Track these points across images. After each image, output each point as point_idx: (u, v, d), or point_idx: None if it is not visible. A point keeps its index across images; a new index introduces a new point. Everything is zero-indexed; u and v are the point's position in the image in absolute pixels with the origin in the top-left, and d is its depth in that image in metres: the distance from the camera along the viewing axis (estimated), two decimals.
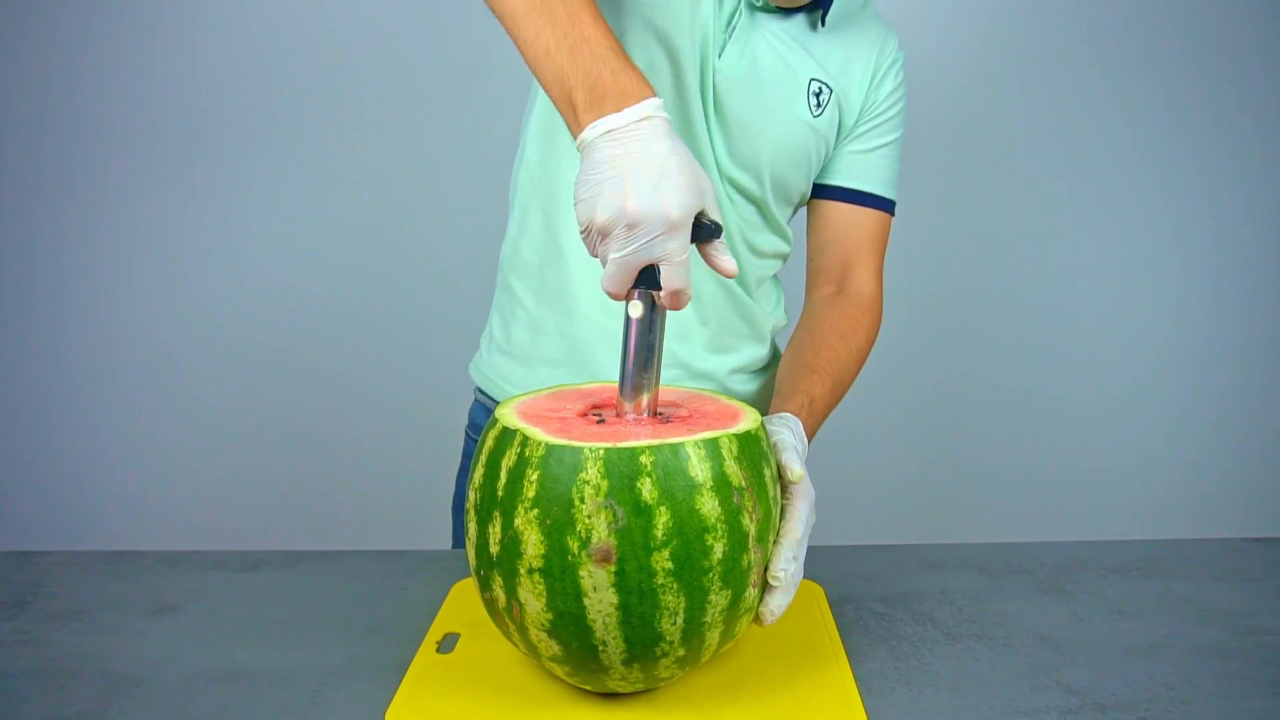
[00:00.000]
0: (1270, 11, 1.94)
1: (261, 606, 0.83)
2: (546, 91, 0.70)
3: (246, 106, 1.91)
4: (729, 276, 0.70)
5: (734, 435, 0.62)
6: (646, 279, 0.66)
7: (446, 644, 0.75)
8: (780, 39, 0.94)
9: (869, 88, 0.98)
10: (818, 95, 0.95)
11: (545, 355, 0.99)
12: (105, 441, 2.02)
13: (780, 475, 0.68)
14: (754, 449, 0.63)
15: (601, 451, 0.58)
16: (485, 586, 0.63)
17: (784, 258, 1.06)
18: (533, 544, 0.59)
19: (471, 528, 0.64)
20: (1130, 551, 0.96)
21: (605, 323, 0.96)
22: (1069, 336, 2.06)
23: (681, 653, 0.61)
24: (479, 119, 1.84)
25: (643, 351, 0.67)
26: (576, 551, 0.58)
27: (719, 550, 0.59)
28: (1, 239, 1.95)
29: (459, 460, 1.13)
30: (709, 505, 0.59)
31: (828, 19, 0.96)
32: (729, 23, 0.91)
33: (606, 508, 0.57)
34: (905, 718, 0.66)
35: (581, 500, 0.58)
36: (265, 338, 1.99)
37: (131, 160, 1.93)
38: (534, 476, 0.59)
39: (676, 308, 0.66)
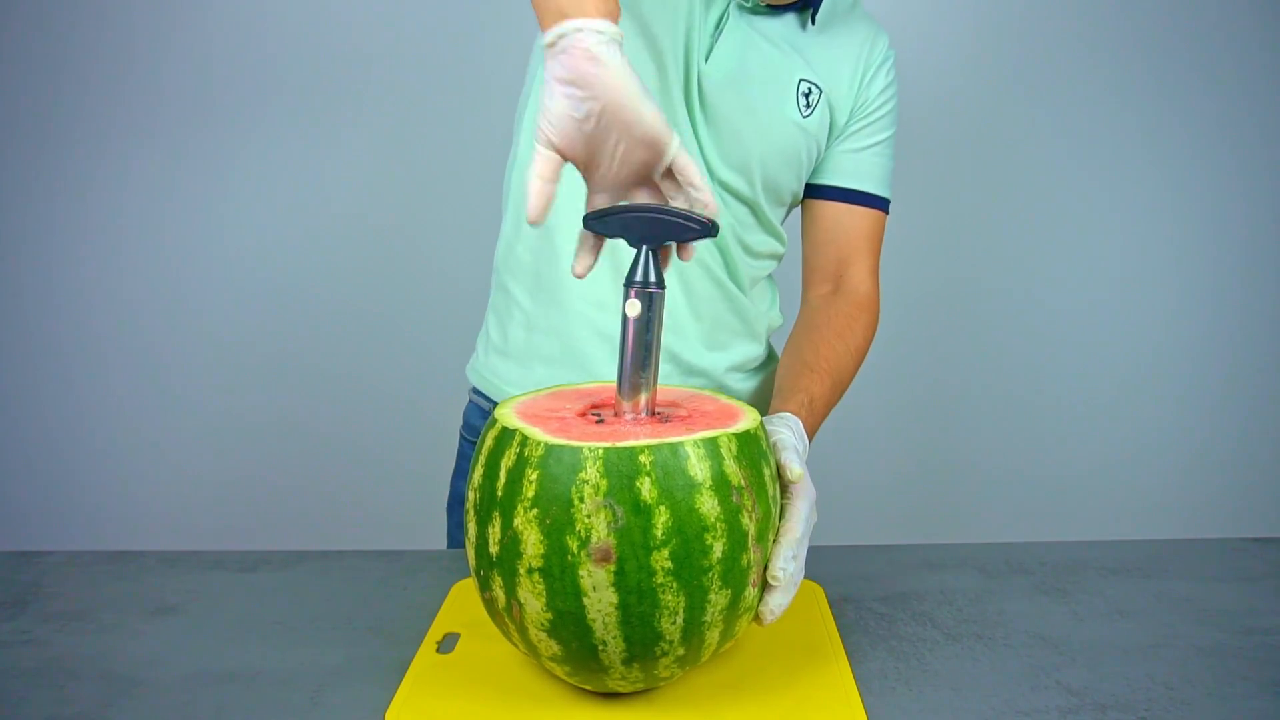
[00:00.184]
0: (1269, 8, 1.94)
1: (261, 606, 0.83)
2: None
3: (240, 106, 1.91)
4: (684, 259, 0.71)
5: (733, 434, 0.62)
6: (646, 278, 0.66)
7: (446, 644, 0.75)
8: (769, 39, 0.93)
9: (859, 86, 0.98)
10: (807, 95, 0.95)
11: (542, 354, 0.99)
12: (105, 441, 2.02)
13: (780, 475, 0.68)
14: (753, 448, 0.63)
15: (601, 451, 0.58)
16: (485, 586, 0.63)
17: (778, 258, 1.06)
18: (532, 544, 0.59)
19: (471, 528, 0.64)
20: (1130, 551, 0.96)
21: (600, 320, 0.96)
22: (1069, 336, 2.06)
23: (681, 652, 0.61)
24: (474, 119, 1.84)
25: (640, 351, 0.67)
26: (576, 551, 0.58)
27: (718, 549, 0.59)
28: (1, 240, 1.95)
29: (454, 460, 1.13)
30: (708, 504, 0.59)
31: (817, 18, 0.95)
32: (717, 24, 0.91)
33: (606, 507, 0.57)
34: (905, 718, 0.66)
35: (581, 500, 0.58)
36: (264, 338, 1.99)
37: (132, 161, 1.93)
38: (533, 476, 0.59)
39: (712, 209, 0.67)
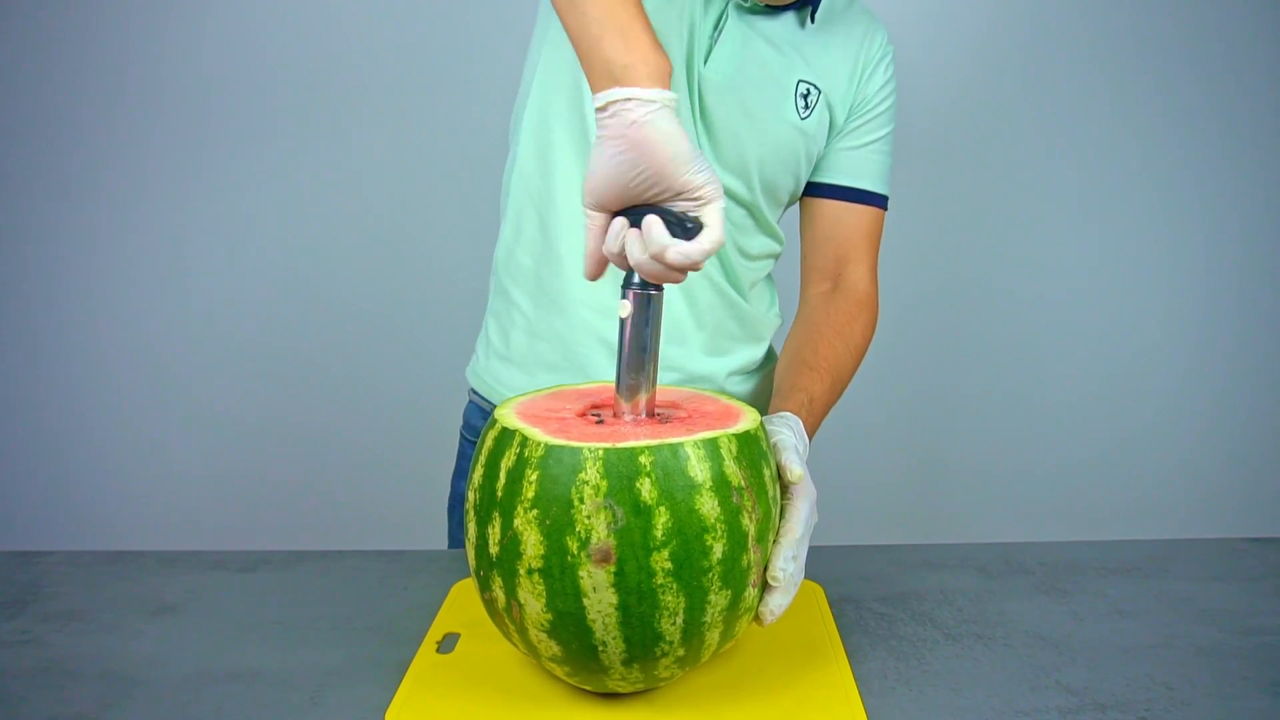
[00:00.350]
0: (1268, 9, 1.94)
1: (261, 606, 0.83)
2: (594, 43, 0.68)
3: (242, 107, 1.91)
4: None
5: (733, 435, 0.62)
6: (632, 278, 0.66)
7: (446, 644, 0.75)
8: (768, 40, 0.93)
9: (858, 84, 0.97)
10: (805, 97, 0.94)
11: (544, 360, 0.99)
12: (105, 441, 2.02)
13: (780, 475, 0.68)
14: (753, 449, 0.63)
15: (601, 452, 0.58)
16: (485, 587, 0.63)
17: (776, 256, 1.05)
18: (532, 544, 0.59)
19: (471, 528, 0.64)
20: (1130, 551, 0.96)
21: (603, 326, 0.96)
22: (1068, 336, 2.06)
23: (681, 653, 0.61)
24: (473, 120, 1.84)
25: (636, 353, 0.67)
26: (576, 552, 0.58)
27: (718, 550, 0.59)
28: (1, 240, 1.95)
29: (454, 461, 1.13)
30: (708, 505, 0.59)
31: (816, 16, 0.95)
32: (716, 25, 0.91)
33: (606, 508, 0.57)
34: (905, 718, 0.66)
35: (581, 500, 0.58)
36: (264, 338, 1.99)
37: (133, 162, 1.93)
38: (533, 477, 0.59)
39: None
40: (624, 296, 0.66)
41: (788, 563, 0.65)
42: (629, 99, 0.64)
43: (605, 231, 0.67)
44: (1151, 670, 0.73)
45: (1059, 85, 1.96)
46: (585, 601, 0.58)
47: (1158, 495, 2.08)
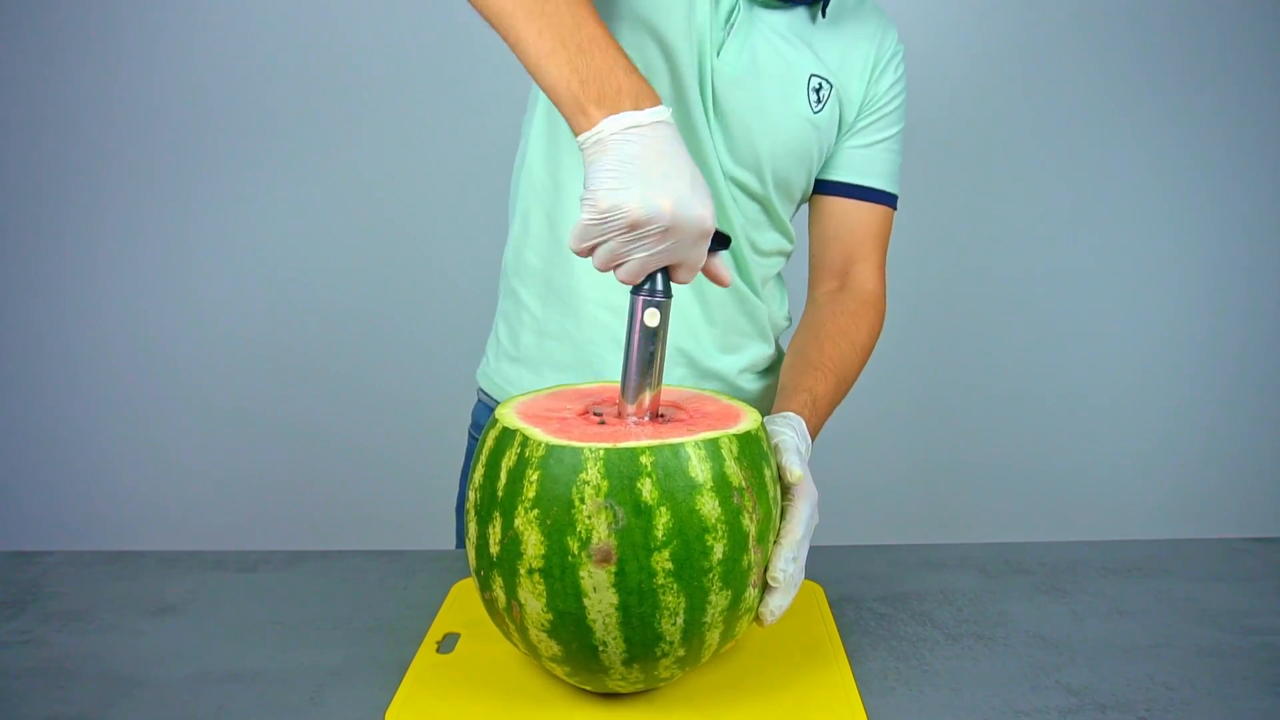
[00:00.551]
0: (1271, 9, 1.94)
1: (261, 606, 0.83)
2: (548, 90, 0.69)
3: (251, 109, 1.91)
4: (723, 285, 0.73)
5: (734, 435, 0.62)
6: (654, 287, 0.66)
7: (446, 644, 0.75)
8: (780, 34, 0.93)
9: (869, 81, 0.97)
10: (818, 91, 0.94)
11: (553, 360, 0.99)
12: (105, 441, 2.02)
13: (780, 476, 0.68)
14: (754, 449, 0.63)
15: (602, 452, 0.58)
16: (485, 587, 0.63)
17: (787, 255, 1.05)
18: (533, 544, 0.59)
19: (471, 528, 0.64)
20: (1130, 551, 0.96)
21: (614, 325, 0.96)
22: (1069, 336, 2.06)
23: (681, 653, 0.61)
24: (484, 122, 1.84)
25: (647, 356, 0.67)
26: (576, 552, 0.58)
27: (719, 550, 0.59)
28: (2, 239, 1.95)
29: (462, 460, 1.12)
30: (709, 506, 0.59)
31: (828, 10, 0.95)
32: (728, 19, 0.91)
33: (607, 508, 0.57)
34: (905, 718, 0.66)
35: (582, 500, 0.58)
36: (266, 338, 1.99)
37: (134, 162, 1.93)
38: (534, 477, 0.59)
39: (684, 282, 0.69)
40: (639, 304, 0.66)
41: (788, 563, 0.65)
42: (598, 138, 0.65)
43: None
44: (1151, 670, 0.73)
45: (1070, 86, 1.97)
46: (586, 601, 0.58)
47: (1158, 495, 2.09)
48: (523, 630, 0.62)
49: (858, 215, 1.00)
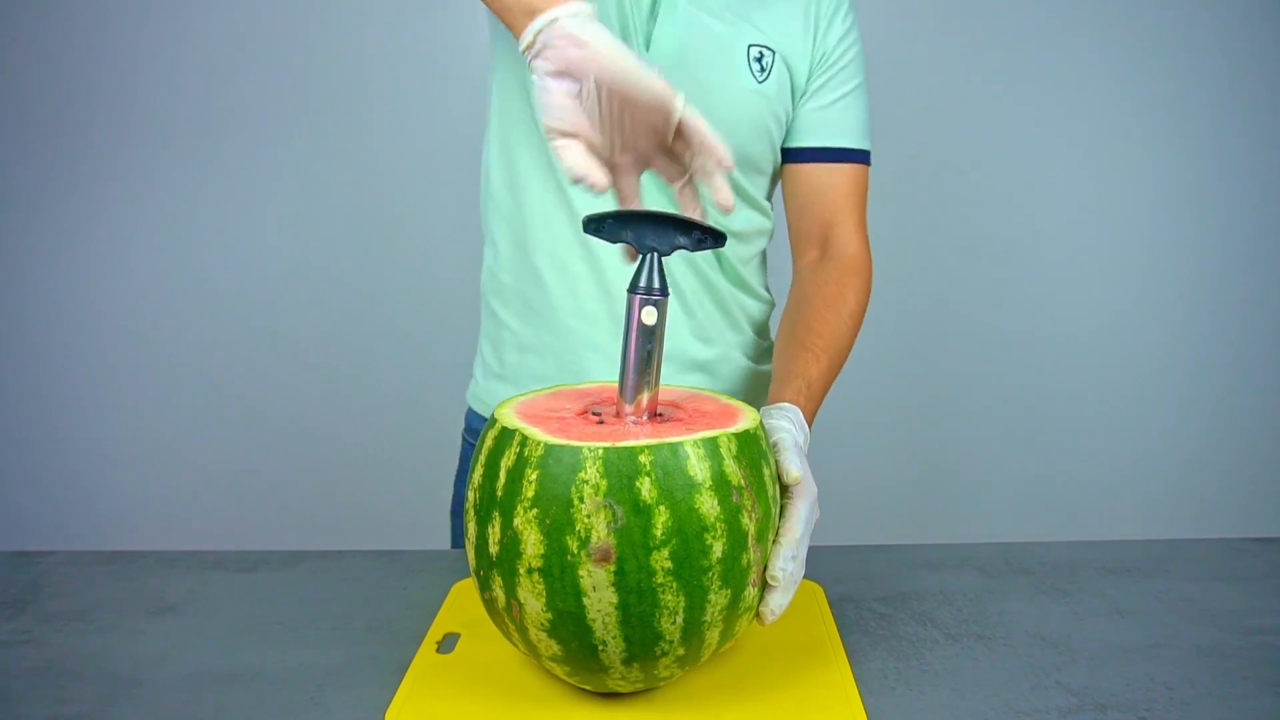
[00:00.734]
0: (1271, 7, 1.94)
1: (261, 606, 0.83)
2: (500, 11, 0.69)
3: (246, 111, 1.91)
4: (727, 210, 0.69)
5: (733, 434, 0.62)
6: (651, 284, 0.66)
7: (446, 644, 0.75)
8: (710, 11, 0.91)
9: (815, 39, 0.95)
10: (759, 60, 0.92)
11: (537, 374, 0.99)
12: (105, 441, 2.02)
13: (779, 476, 0.68)
14: (753, 448, 0.63)
15: (600, 451, 0.58)
16: (485, 586, 0.63)
17: (767, 234, 1.03)
18: (532, 544, 0.59)
19: (471, 528, 0.64)
20: (1130, 551, 0.96)
21: (591, 334, 0.95)
22: (1069, 337, 2.06)
23: (681, 652, 0.61)
24: (477, 133, 1.84)
25: (644, 355, 0.67)
26: (576, 551, 0.58)
27: (718, 549, 0.59)
28: (1, 238, 1.95)
29: (456, 464, 1.13)
30: (708, 504, 0.59)
31: None
32: (652, 9, 0.89)
33: (606, 507, 0.57)
34: (905, 718, 0.66)
35: (581, 500, 0.58)
36: (265, 338, 1.99)
37: (133, 166, 1.93)
38: (533, 476, 0.59)
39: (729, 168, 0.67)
40: (635, 302, 0.66)
41: (788, 562, 0.65)
42: (554, 20, 0.64)
43: (585, 150, 0.65)
44: (1151, 670, 0.72)
45: (1067, 85, 1.96)
46: (585, 601, 0.58)
47: (1158, 495, 2.08)
48: (522, 630, 0.62)
49: (828, 179, 0.98)
